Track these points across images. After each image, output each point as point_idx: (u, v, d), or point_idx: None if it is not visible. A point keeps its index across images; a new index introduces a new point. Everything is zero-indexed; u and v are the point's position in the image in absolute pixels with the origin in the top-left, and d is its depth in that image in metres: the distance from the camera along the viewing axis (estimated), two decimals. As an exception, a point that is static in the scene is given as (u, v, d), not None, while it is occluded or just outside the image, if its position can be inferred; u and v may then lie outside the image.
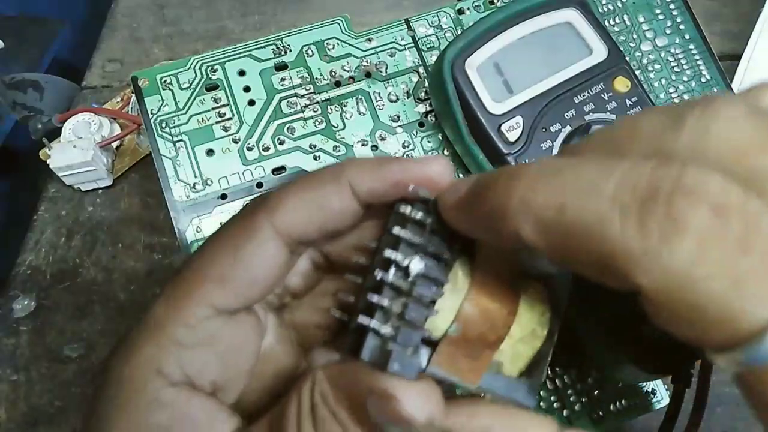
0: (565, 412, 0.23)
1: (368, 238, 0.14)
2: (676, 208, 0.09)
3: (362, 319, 0.12)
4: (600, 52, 0.23)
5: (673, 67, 0.26)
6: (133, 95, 0.32)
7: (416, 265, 0.12)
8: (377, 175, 0.13)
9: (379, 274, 0.12)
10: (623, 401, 0.23)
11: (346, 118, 0.25)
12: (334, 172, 0.14)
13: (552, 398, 0.23)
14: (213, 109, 0.25)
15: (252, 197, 0.24)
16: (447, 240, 0.13)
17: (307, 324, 0.16)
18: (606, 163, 0.10)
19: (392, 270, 0.12)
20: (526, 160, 0.22)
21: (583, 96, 0.22)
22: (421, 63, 0.26)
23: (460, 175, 0.25)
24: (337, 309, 0.14)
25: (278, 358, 0.15)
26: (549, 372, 0.14)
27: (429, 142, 0.25)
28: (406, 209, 0.12)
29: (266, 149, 0.24)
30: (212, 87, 0.25)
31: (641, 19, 0.27)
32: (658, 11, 0.27)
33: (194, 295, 0.13)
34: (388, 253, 0.12)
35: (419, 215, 0.12)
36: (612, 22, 0.27)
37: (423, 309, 0.12)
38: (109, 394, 0.13)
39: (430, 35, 0.26)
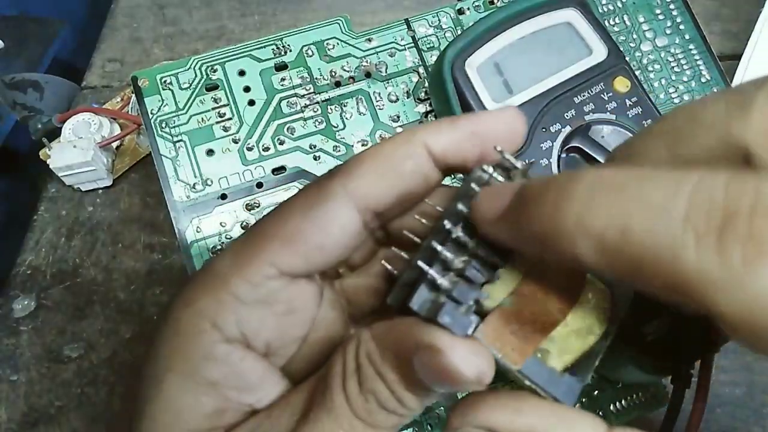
0: (565, 412, 0.23)
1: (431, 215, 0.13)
2: (758, 227, 0.08)
3: (420, 264, 0.11)
4: (600, 52, 0.23)
5: (673, 67, 0.26)
6: (133, 95, 0.32)
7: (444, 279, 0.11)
8: (450, 129, 0.13)
9: (448, 224, 0.11)
10: (623, 401, 0.23)
11: (346, 118, 0.25)
12: (407, 135, 0.13)
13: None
14: (213, 109, 0.25)
15: (252, 197, 0.24)
16: (487, 260, 0.12)
17: (359, 293, 0.15)
18: (672, 176, 0.09)
19: (461, 224, 0.11)
20: (527, 160, 0.22)
21: (583, 96, 0.22)
22: (421, 63, 0.26)
23: (460, 175, 0.25)
24: (388, 263, 0.14)
25: (329, 327, 0.15)
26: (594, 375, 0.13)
27: (429, 142, 0.25)
28: (486, 172, 0.12)
29: (266, 149, 0.24)
30: (212, 87, 0.25)
31: (641, 19, 0.27)
32: (657, 11, 0.27)
33: (260, 253, 0.13)
34: (461, 207, 0.12)
35: (495, 179, 0.12)
36: (612, 22, 0.27)
37: (484, 270, 0.12)
38: (165, 339, 0.13)
39: (430, 35, 0.26)
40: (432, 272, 0.11)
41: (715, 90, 0.26)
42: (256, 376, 0.13)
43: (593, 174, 0.10)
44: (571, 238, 0.10)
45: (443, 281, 0.11)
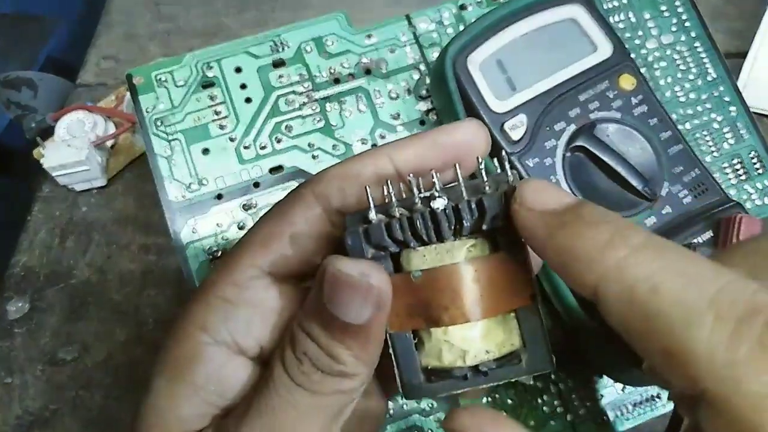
0: (569, 417, 0.23)
1: None
2: None
3: (369, 204, 0.13)
4: (605, 50, 0.22)
5: (678, 65, 0.26)
6: (128, 93, 0.31)
7: (438, 203, 0.12)
8: (413, 142, 0.14)
9: (416, 191, 0.13)
10: (627, 405, 0.23)
11: (346, 116, 0.25)
12: (372, 150, 0.15)
13: (556, 403, 0.23)
14: (209, 107, 0.24)
15: (249, 197, 0.23)
16: (479, 215, 0.13)
17: None
18: (715, 265, 0.10)
19: (422, 194, 0.13)
20: (530, 160, 0.21)
21: (588, 94, 0.22)
22: (422, 60, 0.25)
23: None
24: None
25: None
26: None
27: (430, 140, 0.25)
28: (485, 178, 0.13)
29: (263, 148, 0.24)
30: (208, 84, 0.24)
31: (646, 16, 0.26)
32: (663, 8, 0.26)
33: (242, 258, 0.14)
34: (438, 185, 0.13)
35: (483, 188, 0.13)
36: (616, 19, 0.26)
37: (407, 233, 0.13)
38: (162, 344, 0.14)
39: (431, 31, 0.26)
40: (370, 206, 0.13)
41: (722, 89, 0.26)
42: (239, 381, 0.14)
43: (649, 232, 0.11)
44: (604, 275, 0.11)
45: (372, 215, 0.12)
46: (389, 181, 0.13)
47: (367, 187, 0.13)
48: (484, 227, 0.13)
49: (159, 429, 0.13)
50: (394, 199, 0.13)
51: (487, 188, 0.13)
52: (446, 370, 0.13)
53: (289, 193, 0.15)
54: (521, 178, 0.15)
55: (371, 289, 0.12)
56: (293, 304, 0.14)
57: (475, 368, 0.13)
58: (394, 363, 0.14)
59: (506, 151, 0.21)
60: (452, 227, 0.13)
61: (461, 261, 0.13)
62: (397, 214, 0.13)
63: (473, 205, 0.13)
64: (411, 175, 0.13)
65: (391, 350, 0.14)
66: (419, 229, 0.13)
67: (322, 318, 0.12)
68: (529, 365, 0.13)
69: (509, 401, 0.22)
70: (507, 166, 0.13)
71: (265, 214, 0.15)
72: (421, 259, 0.13)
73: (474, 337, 0.13)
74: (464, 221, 0.13)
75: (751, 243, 0.12)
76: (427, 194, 0.13)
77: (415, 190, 0.13)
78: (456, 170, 0.13)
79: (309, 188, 0.14)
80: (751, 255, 0.12)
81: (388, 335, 0.14)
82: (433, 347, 0.13)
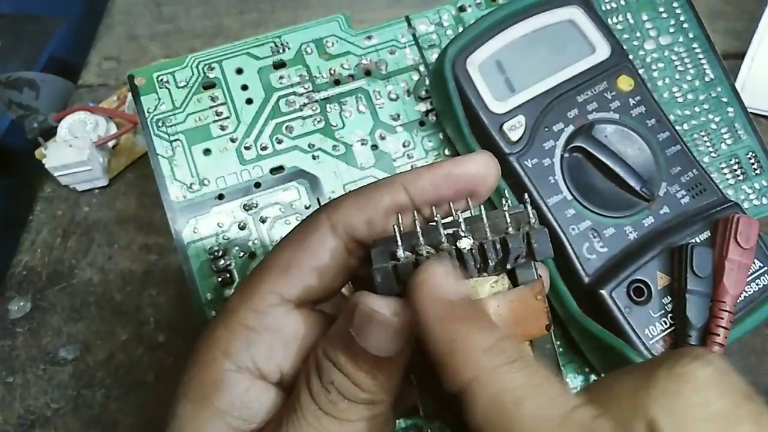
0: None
1: None
2: None
3: (396, 233, 0.13)
4: (603, 51, 0.23)
5: (676, 65, 0.26)
6: (130, 94, 0.32)
7: (464, 243, 0.13)
8: (427, 172, 0.15)
9: (440, 228, 0.13)
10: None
11: (346, 117, 0.25)
12: (388, 178, 0.15)
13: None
14: (210, 107, 0.24)
15: (250, 198, 0.24)
16: (504, 254, 0.13)
17: None
18: (568, 391, 0.12)
19: (449, 232, 0.13)
20: (529, 161, 0.21)
21: (586, 95, 0.22)
22: (421, 61, 0.26)
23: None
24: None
25: None
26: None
27: (430, 141, 0.25)
28: (506, 217, 0.13)
29: (264, 148, 0.24)
30: (209, 85, 0.24)
31: (644, 18, 0.27)
32: (661, 9, 0.27)
33: (262, 284, 0.15)
34: (464, 223, 0.13)
35: (506, 227, 0.13)
36: (615, 20, 0.26)
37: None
38: (186, 368, 0.14)
39: (431, 33, 0.26)
40: (398, 242, 0.13)
41: (719, 89, 0.26)
42: (262, 406, 0.14)
43: (522, 348, 0.13)
44: (478, 377, 0.11)
45: (400, 253, 0.13)
46: (416, 218, 0.13)
47: (395, 226, 0.13)
48: (508, 267, 0.14)
49: None
50: (421, 238, 0.13)
51: (510, 228, 0.13)
52: None
53: (305, 219, 0.15)
54: (528, 189, 0.17)
55: (402, 327, 0.13)
56: (311, 330, 0.15)
57: None
58: (416, 390, 0.15)
59: (505, 152, 0.21)
60: (477, 266, 0.13)
61: (486, 296, 0.13)
62: (425, 253, 0.13)
63: (498, 246, 0.13)
64: (435, 212, 0.14)
65: (413, 377, 0.14)
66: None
67: (351, 349, 0.13)
68: None
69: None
70: (528, 206, 0.14)
71: (283, 240, 0.15)
72: None
73: None
74: (489, 261, 0.13)
75: (612, 378, 0.13)
76: (451, 231, 0.13)
77: (441, 228, 0.13)
78: (473, 205, 0.14)
79: (325, 215, 0.15)
80: (606, 389, 0.13)
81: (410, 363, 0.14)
82: None
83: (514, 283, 0.14)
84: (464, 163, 0.15)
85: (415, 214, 0.14)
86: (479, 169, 0.15)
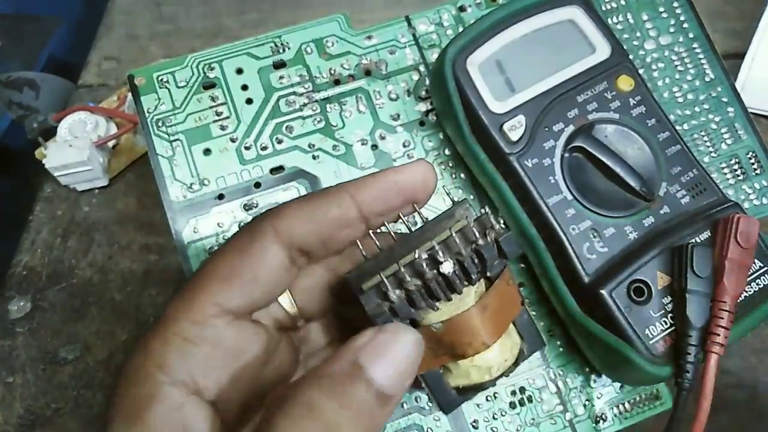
0: (567, 415, 0.23)
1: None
2: None
3: (381, 275, 0.14)
4: (603, 50, 0.23)
5: (676, 65, 0.26)
6: (130, 94, 0.32)
7: (447, 267, 0.14)
8: (375, 182, 0.15)
9: (416, 253, 0.14)
10: (626, 404, 0.23)
11: (346, 117, 0.25)
12: (335, 187, 0.15)
13: (555, 402, 0.23)
14: (210, 107, 0.24)
15: (250, 197, 0.24)
16: (479, 266, 0.15)
17: (314, 337, 0.17)
18: None
19: (425, 256, 0.14)
20: (529, 160, 0.21)
21: (587, 95, 0.22)
22: (421, 61, 0.26)
23: (461, 176, 0.25)
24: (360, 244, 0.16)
25: (276, 372, 0.16)
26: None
27: (430, 141, 0.25)
28: (467, 221, 0.14)
29: (264, 148, 0.24)
30: (209, 85, 0.24)
31: (644, 17, 0.27)
32: (661, 9, 0.27)
33: (201, 294, 0.14)
34: (434, 243, 0.14)
35: (473, 232, 0.14)
36: (615, 20, 0.26)
37: (428, 300, 0.14)
38: (118, 384, 0.14)
39: (431, 33, 0.26)
40: (386, 284, 0.14)
41: (719, 89, 0.26)
42: (197, 424, 0.13)
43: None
44: None
45: (392, 294, 0.14)
46: (392, 249, 0.14)
47: (382, 277, 0.14)
48: (488, 274, 0.15)
49: None
50: (406, 277, 0.14)
51: (477, 235, 0.14)
52: (476, 385, 0.16)
53: (247, 225, 0.15)
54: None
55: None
56: (250, 343, 0.14)
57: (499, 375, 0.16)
58: (430, 394, 0.16)
59: (505, 152, 0.21)
60: (463, 282, 0.14)
61: (472, 304, 0.15)
62: (413, 288, 0.14)
63: (476, 260, 0.15)
64: (421, 252, 0.14)
65: (424, 385, 0.16)
66: (437, 293, 0.14)
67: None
68: (530, 350, 0.16)
69: (509, 401, 0.23)
70: (490, 213, 0.15)
71: (224, 247, 0.15)
72: (439, 314, 0.15)
73: (494, 356, 0.15)
74: (472, 275, 0.14)
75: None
76: (426, 255, 0.14)
77: (418, 253, 0.14)
78: (415, 211, 0.15)
79: (269, 223, 0.14)
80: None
81: (419, 376, 0.16)
82: (461, 371, 0.16)
83: (489, 278, 0.15)
84: (407, 171, 0.15)
85: (392, 233, 0.14)
86: (422, 176, 0.15)
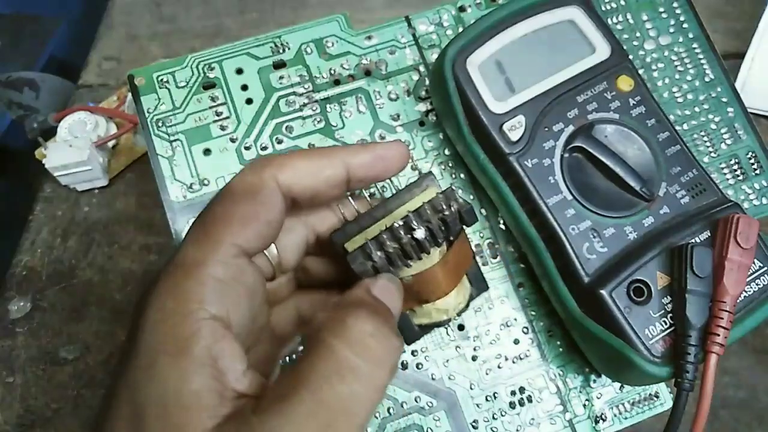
0: (567, 415, 0.23)
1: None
2: None
3: (364, 240, 0.17)
4: (603, 51, 0.23)
5: (676, 66, 0.26)
6: (130, 94, 0.32)
7: (420, 233, 0.17)
8: (364, 151, 0.17)
9: (394, 222, 0.17)
10: (626, 404, 0.23)
11: (346, 117, 0.25)
12: (330, 150, 0.17)
13: (555, 402, 0.23)
14: (210, 107, 0.24)
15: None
16: (445, 232, 0.18)
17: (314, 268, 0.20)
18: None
19: (401, 224, 0.17)
20: (529, 161, 0.21)
21: (586, 95, 0.22)
22: (421, 61, 0.26)
23: (461, 176, 0.25)
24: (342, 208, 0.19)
25: (283, 325, 0.19)
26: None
27: (429, 141, 0.25)
28: (435, 194, 0.17)
29: (264, 148, 0.24)
30: (209, 85, 0.24)
31: (644, 18, 0.27)
32: (661, 9, 0.27)
33: (224, 236, 0.15)
34: (408, 212, 0.17)
35: (440, 204, 0.17)
36: (615, 20, 0.26)
37: (403, 259, 0.18)
38: (153, 326, 0.14)
39: (430, 33, 0.26)
40: (370, 247, 0.17)
41: (719, 89, 0.26)
42: (233, 357, 0.14)
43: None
44: None
45: (375, 256, 0.17)
46: (389, 227, 0.17)
47: (367, 240, 0.17)
48: (451, 239, 0.18)
49: (177, 408, 0.13)
50: (387, 241, 0.17)
51: (444, 206, 0.18)
52: (435, 323, 0.20)
53: (251, 172, 0.16)
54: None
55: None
56: (260, 284, 0.16)
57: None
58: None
59: (505, 152, 0.21)
60: (431, 244, 0.18)
61: (436, 262, 0.18)
62: (392, 249, 0.17)
63: (442, 227, 0.18)
64: (400, 220, 0.17)
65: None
66: (410, 254, 0.18)
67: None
68: (476, 293, 0.20)
69: (509, 401, 0.23)
70: (454, 189, 0.18)
71: (230, 190, 0.16)
72: (409, 269, 0.18)
73: (451, 300, 0.19)
74: (438, 239, 0.18)
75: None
76: (401, 223, 0.17)
77: (395, 220, 0.17)
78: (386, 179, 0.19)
79: (273, 173, 0.16)
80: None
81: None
82: (424, 312, 0.19)
83: (449, 240, 0.19)
84: (389, 147, 0.18)
85: (367, 198, 0.18)
86: (400, 154, 0.18)
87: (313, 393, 0.13)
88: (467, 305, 0.20)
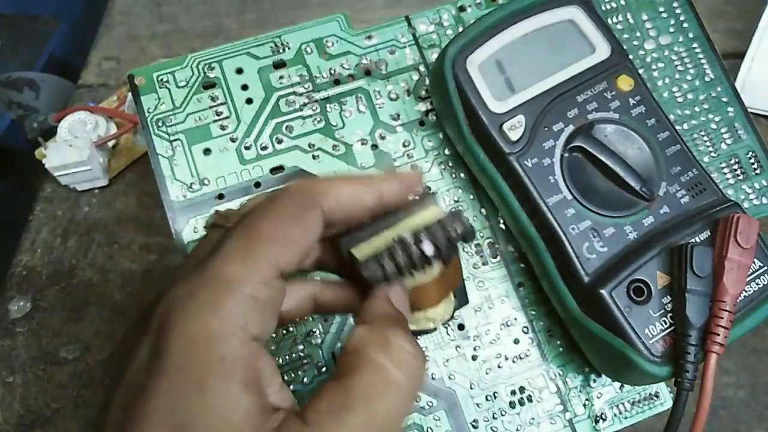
0: (567, 415, 0.23)
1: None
2: None
3: (375, 248, 0.18)
4: (603, 50, 0.23)
5: (676, 65, 0.26)
6: (130, 94, 0.32)
7: (428, 248, 0.18)
8: (396, 182, 0.18)
9: (405, 235, 0.18)
10: (626, 404, 0.23)
11: (346, 117, 0.25)
12: (369, 178, 0.18)
13: (554, 401, 0.23)
14: (210, 107, 0.24)
15: (250, 197, 0.24)
16: (449, 249, 0.19)
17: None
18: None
19: (412, 238, 0.18)
20: (529, 160, 0.21)
21: (586, 95, 0.22)
22: (421, 61, 0.26)
23: (461, 175, 0.25)
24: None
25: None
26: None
27: (429, 141, 0.25)
28: (448, 218, 0.18)
29: (264, 148, 0.24)
30: (209, 85, 0.25)
31: (644, 17, 0.27)
32: (661, 9, 0.27)
33: (267, 256, 0.15)
34: (423, 230, 0.18)
35: (450, 226, 0.18)
36: (615, 20, 0.26)
37: (411, 270, 0.19)
38: (192, 344, 0.14)
39: (430, 32, 0.26)
40: (383, 258, 0.18)
41: (719, 89, 0.26)
42: (271, 373, 0.15)
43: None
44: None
45: (387, 265, 0.18)
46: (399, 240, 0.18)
47: (379, 250, 0.17)
48: (451, 256, 0.19)
49: (228, 428, 0.13)
50: (398, 251, 0.18)
51: (451, 226, 0.19)
52: (422, 331, 0.21)
53: (297, 193, 0.16)
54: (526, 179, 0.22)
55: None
56: (290, 300, 0.17)
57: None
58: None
59: (505, 152, 0.21)
60: (437, 258, 0.19)
61: (435, 275, 0.19)
62: (402, 262, 0.18)
63: (447, 245, 0.19)
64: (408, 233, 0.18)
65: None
66: (417, 266, 0.19)
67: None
68: (458, 306, 0.21)
69: (509, 401, 0.23)
70: (461, 211, 0.19)
71: (272, 208, 0.16)
72: (413, 280, 0.19)
73: (440, 311, 0.20)
74: (443, 255, 0.18)
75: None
76: (411, 236, 0.18)
77: (404, 233, 0.18)
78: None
79: (317, 200, 0.16)
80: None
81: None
82: (414, 320, 0.20)
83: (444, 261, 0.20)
84: (412, 177, 0.18)
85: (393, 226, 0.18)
86: (418, 181, 0.19)
87: (368, 406, 0.14)
88: (452, 317, 0.21)
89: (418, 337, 0.21)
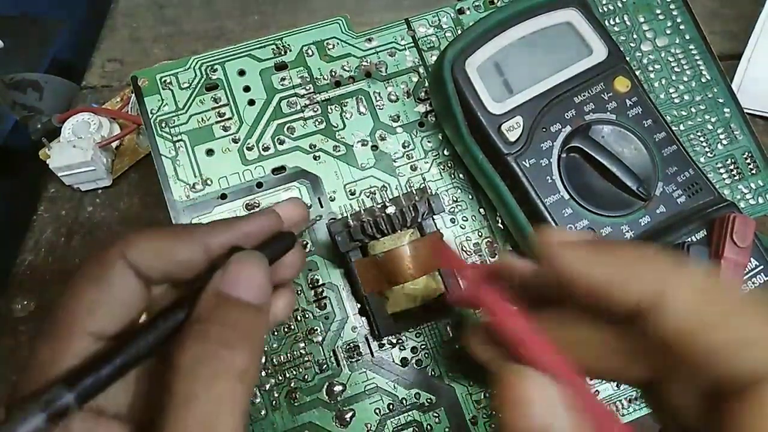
0: (565, 413, 0.23)
1: None
2: None
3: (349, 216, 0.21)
4: (600, 52, 0.23)
5: (673, 67, 0.26)
6: (133, 95, 0.32)
7: (390, 210, 0.20)
8: (226, 232, 0.16)
9: (371, 202, 0.20)
10: (623, 401, 0.23)
11: (346, 118, 0.25)
12: (187, 229, 0.16)
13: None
14: (213, 108, 0.25)
15: (252, 197, 0.24)
16: (415, 214, 0.20)
17: None
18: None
19: (378, 205, 0.20)
20: (527, 161, 0.22)
21: (584, 96, 0.22)
22: (421, 63, 0.26)
23: (460, 176, 0.25)
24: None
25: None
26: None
27: (429, 142, 0.25)
28: (415, 192, 0.20)
29: (266, 149, 0.24)
30: (212, 87, 0.25)
31: (641, 19, 0.27)
32: (658, 11, 0.27)
33: (74, 326, 0.14)
34: (386, 201, 0.21)
35: (413, 194, 0.20)
36: (612, 22, 0.27)
37: (374, 229, 0.20)
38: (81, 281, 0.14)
39: (430, 35, 0.26)
40: (349, 219, 0.20)
41: (715, 90, 0.26)
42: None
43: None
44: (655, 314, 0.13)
45: (351, 222, 0.20)
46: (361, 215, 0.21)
47: (348, 215, 0.20)
48: (419, 220, 0.21)
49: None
50: (363, 214, 0.21)
51: (416, 196, 0.21)
52: (406, 311, 0.21)
53: (96, 255, 0.15)
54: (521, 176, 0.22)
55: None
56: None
57: (423, 306, 0.22)
58: (371, 315, 0.22)
59: (503, 152, 0.22)
60: (400, 223, 0.20)
61: (406, 243, 0.20)
62: (366, 220, 0.20)
63: (410, 209, 0.20)
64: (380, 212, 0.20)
65: (367, 306, 0.22)
66: (382, 226, 0.20)
67: None
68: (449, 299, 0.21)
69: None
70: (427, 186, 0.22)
71: (79, 277, 0.15)
72: (382, 245, 0.20)
73: (419, 288, 0.20)
74: (407, 220, 0.20)
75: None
76: (380, 205, 0.20)
77: (374, 206, 0.21)
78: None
79: (117, 252, 0.15)
80: None
81: (365, 296, 0.22)
82: (395, 300, 0.21)
83: (422, 233, 0.22)
84: (257, 221, 0.17)
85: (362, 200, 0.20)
86: (270, 224, 0.17)
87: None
88: (438, 301, 0.22)
89: (413, 328, 0.21)
